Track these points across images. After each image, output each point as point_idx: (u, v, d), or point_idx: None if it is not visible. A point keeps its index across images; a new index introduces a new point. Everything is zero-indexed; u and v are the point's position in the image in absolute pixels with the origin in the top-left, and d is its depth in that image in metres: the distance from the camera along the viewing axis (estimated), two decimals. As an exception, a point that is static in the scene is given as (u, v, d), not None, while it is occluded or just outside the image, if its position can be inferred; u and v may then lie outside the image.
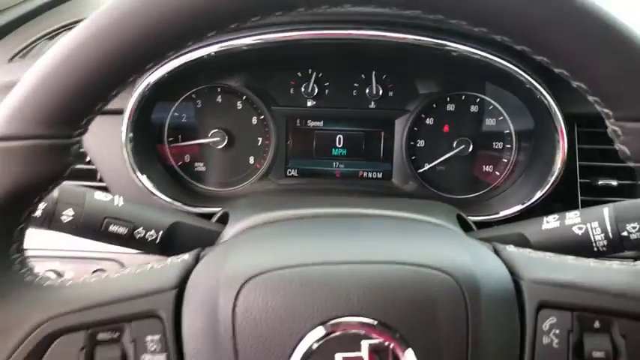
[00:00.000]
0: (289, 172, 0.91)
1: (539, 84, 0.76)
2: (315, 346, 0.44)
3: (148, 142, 0.86)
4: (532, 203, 0.80)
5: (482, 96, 0.88)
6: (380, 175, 0.90)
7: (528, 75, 0.76)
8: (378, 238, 0.56)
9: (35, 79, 0.40)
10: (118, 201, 0.65)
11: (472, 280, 0.47)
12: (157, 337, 0.46)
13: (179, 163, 0.90)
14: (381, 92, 0.87)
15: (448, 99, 0.88)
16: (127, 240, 0.64)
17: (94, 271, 0.81)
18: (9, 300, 0.44)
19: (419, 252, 0.49)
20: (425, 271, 0.47)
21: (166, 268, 0.50)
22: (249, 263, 0.48)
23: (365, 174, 0.91)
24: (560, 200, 0.81)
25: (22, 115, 0.41)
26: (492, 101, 0.88)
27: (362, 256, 0.49)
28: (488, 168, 0.89)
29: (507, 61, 0.76)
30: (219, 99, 0.88)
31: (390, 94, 0.88)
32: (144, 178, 0.80)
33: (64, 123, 0.42)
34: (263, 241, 0.56)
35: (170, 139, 0.89)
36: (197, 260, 0.52)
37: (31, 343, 0.44)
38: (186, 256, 0.52)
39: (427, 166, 0.89)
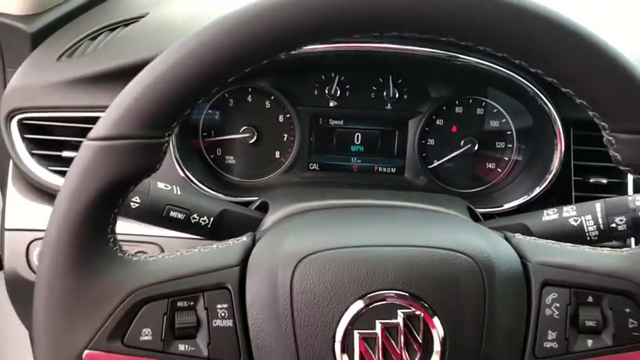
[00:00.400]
0: (311, 166, 0.99)
1: (541, 92, 0.86)
2: (360, 313, 0.53)
3: (186, 137, 0.94)
4: (531, 198, 0.90)
5: (488, 100, 0.97)
6: (393, 170, 0.99)
7: (532, 84, 0.85)
8: (408, 225, 0.65)
9: (140, 89, 0.49)
10: (176, 190, 0.73)
11: (488, 262, 0.56)
12: (225, 305, 0.54)
13: (211, 156, 0.98)
14: (397, 95, 0.96)
15: (457, 102, 0.97)
16: (184, 224, 0.73)
17: (136, 253, 0.89)
18: (105, 272, 0.52)
19: (444, 237, 0.58)
20: (450, 253, 0.56)
21: (230, 247, 0.59)
22: (302, 245, 0.57)
23: (380, 169, 0.99)
24: (555, 195, 0.91)
25: (127, 119, 0.49)
26: (496, 105, 0.96)
27: (396, 240, 0.58)
28: (491, 165, 0.99)
29: (513, 72, 0.86)
30: (249, 98, 0.97)
31: (405, 97, 0.97)
32: (186, 169, 0.88)
33: (159, 126, 0.50)
34: (311, 226, 0.65)
35: (204, 134, 0.97)
36: (254, 242, 0.61)
37: (123, 309, 0.52)
38: (244, 238, 0.61)
39: (436, 163, 0.98)
